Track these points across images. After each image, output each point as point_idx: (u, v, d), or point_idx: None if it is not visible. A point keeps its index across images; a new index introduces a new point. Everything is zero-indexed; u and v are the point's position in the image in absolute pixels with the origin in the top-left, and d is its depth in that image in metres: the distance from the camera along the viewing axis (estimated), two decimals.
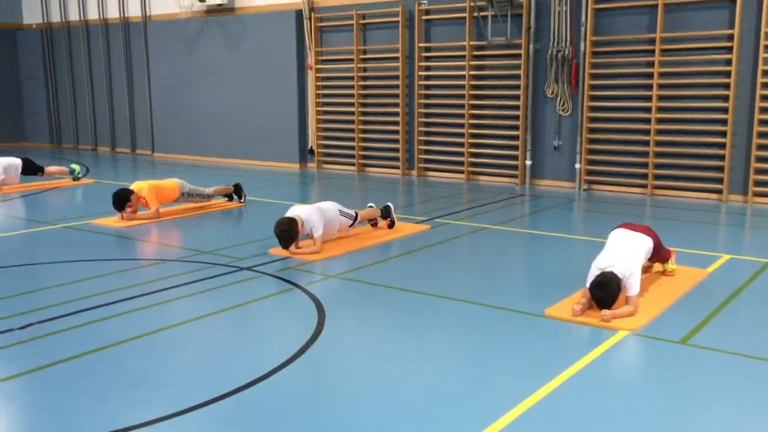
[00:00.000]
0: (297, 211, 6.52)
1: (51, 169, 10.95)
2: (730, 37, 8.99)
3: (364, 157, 12.50)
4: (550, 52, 10.29)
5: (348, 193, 10.56)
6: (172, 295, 5.27)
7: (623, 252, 4.92)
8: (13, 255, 6.66)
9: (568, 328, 4.58)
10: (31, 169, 10.58)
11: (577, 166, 10.30)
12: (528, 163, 10.77)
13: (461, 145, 11.32)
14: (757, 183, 9.07)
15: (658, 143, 9.66)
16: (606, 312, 4.59)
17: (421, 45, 11.49)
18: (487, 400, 3.56)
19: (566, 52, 10.18)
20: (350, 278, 5.76)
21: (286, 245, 6.33)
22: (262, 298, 5.21)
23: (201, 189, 8.69)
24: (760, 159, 9.01)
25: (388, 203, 7.52)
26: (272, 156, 13.33)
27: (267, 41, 13.07)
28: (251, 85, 13.38)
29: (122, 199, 7.92)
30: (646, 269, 5.65)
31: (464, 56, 11.05)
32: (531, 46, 10.48)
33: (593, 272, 4.82)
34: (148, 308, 4.97)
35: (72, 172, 11.13)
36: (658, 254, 5.35)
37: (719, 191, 9.32)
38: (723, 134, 9.20)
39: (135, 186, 8.15)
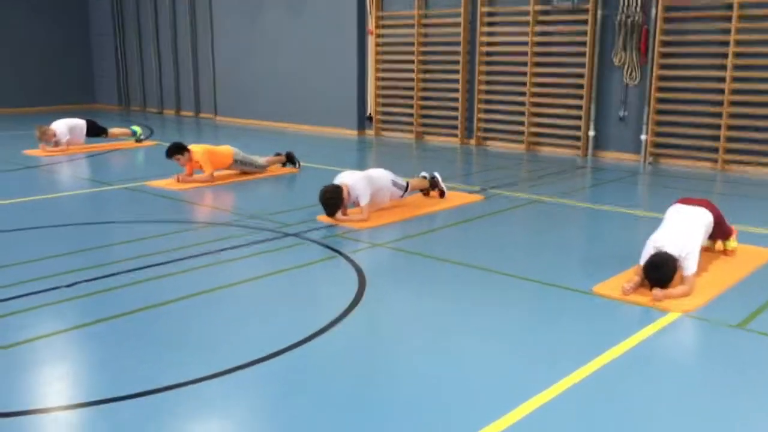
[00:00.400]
0: (344, 178, 6.44)
1: (114, 131, 11.19)
2: None
3: (423, 125, 12.31)
4: (618, 18, 9.82)
5: (404, 161, 10.42)
6: (216, 258, 5.28)
7: (681, 229, 4.66)
8: (69, 214, 6.83)
9: (616, 307, 4.38)
10: (95, 131, 10.83)
11: (643, 137, 9.87)
12: (591, 133, 10.39)
13: (522, 114, 11.00)
14: None
15: (732, 115, 9.14)
16: (657, 291, 4.37)
17: (483, 9, 11.15)
18: (522, 377, 3.43)
19: (636, 18, 9.70)
20: (395, 248, 5.66)
21: (330, 213, 6.27)
22: (303, 265, 5.16)
23: (254, 158, 8.70)
24: None
25: (435, 173, 7.36)
26: (331, 122, 13.28)
27: (328, 5, 12.94)
28: (312, 50, 13.31)
29: (175, 149, 8.07)
30: (706, 249, 5.36)
31: (528, 21, 10.67)
32: (599, 11, 10.03)
33: (648, 250, 4.58)
34: (191, 271, 5.00)
35: (134, 134, 11.35)
36: (720, 230, 5.06)
37: None
38: None
39: (192, 148, 8.23)
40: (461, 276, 4.97)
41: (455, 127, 11.82)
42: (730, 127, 9.18)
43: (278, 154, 9.18)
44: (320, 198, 6.26)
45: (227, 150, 8.47)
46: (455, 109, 11.77)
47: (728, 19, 8.98)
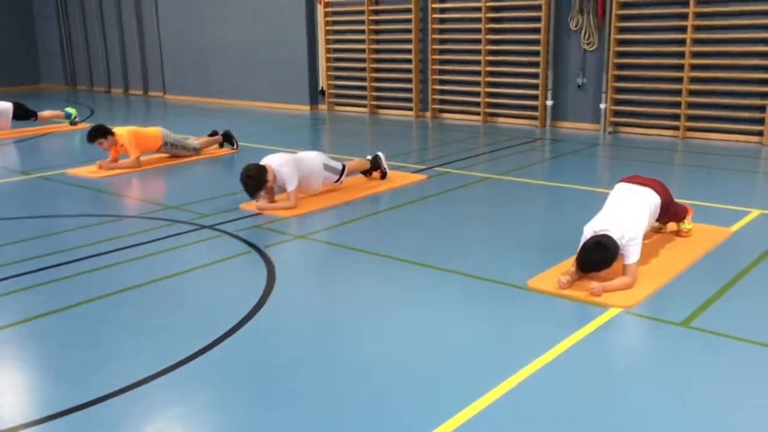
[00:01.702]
0: (270, 160, 5.89)
1: (45, 113, 10.48)
2: None
3: (377, 98, 11.73)
4: None
5: (355, 138, 9.89)
6: (113, 259, 4.73)
7: (624, 212, 4.18)
8: None
9: (550, 303, 3.91)
10: (22, 114, 10.12)
11: (603, 106, 9.38)
12: (549, 103, 9.88)
13: (477, 84, 10.45)
14: None
15: (693, 80, 8.66)
16: (596, 284, 3.90)
17: None
18: (441, 393, 2.95)
19: None
20: (320, 239, 5.15)
21: (251, 193, 5.71)
22: (207, 265, 4.61)
23: (186, 141, 8.09)
24: None
25: (378, 153, 6.83)
26: (282, 98, 12.66)
27: None
28: (260, 22, 12.62)
29: (96, 132, 7.42)
30: (657, 230, 4.92)
31: None
32: None
33: (586, 237, 4.11)
34: (86, 273, 4.45)
35: (68, 116, 10.66)
36: (668, 213, 4.59)
37: (760, 133, 8.34)
38: (766, 69, 8.17)
39: (116, 130, 7.61)
40: (386, 271, 4.47)
41: (410, 100, 11.26)
42: (691, 93, 8.71)
43: (214, 134, 8.58)
44: (241, 176, 5.71)
45: (156, 132, 7.86)
46: (409, 81, 11.20)
47: None
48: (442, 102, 10.97)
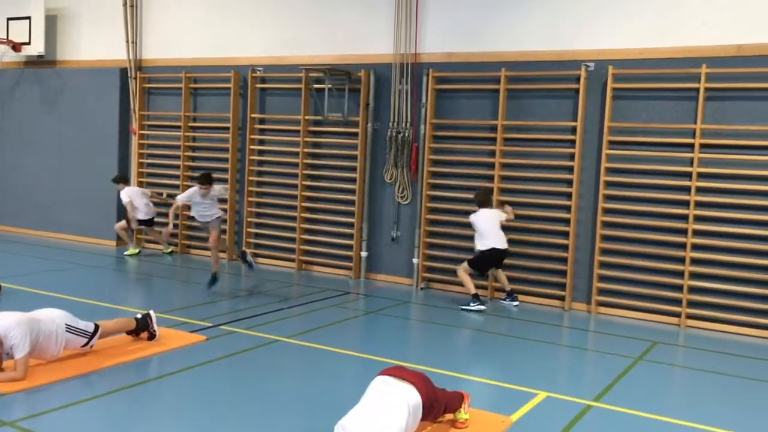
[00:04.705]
0: None
1: None
2: (574, 130, 8.18)
3: (189, 237, 10.98)
4: (389, 133, 9.24)
5: (148, 282, 8.99)
6: None
7: (377, 413, 3.62)
8: None
9: None
10: None
11: (415, 260, 9.15)
12: (364, 254, 9.55)
13: (293, 230, 10.00)
14: (601, 291, 8.13)
15: None
16: None
17: (254, 115, 10.24)
18: None
19: (406, 134, 9.16)
20: (25, 429, 4.18)
21: None
22: None
23: None
24: (603, 265, 8.09)
25: (149, 311, 6.01)
26: (87, 231, 11.58)
27: (88, 100, 11.51)
28: (69, 148, 11.71)
29: None
30: (432, 420, 4.37)
31: (299, 131, 9.86)
32: (369, 124, 9.42)
33: None
34: None
35: None
36: (432, 411, 4.07)
37: (562, 298, 8.33)
38: (566, 234, 8.28)
39: None
40: None
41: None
42: None
43: None
44: None
45: None
46: (223, 221, 10.56)
47: (493, 140, 8.61)
48: (257, 247, 10.38)
